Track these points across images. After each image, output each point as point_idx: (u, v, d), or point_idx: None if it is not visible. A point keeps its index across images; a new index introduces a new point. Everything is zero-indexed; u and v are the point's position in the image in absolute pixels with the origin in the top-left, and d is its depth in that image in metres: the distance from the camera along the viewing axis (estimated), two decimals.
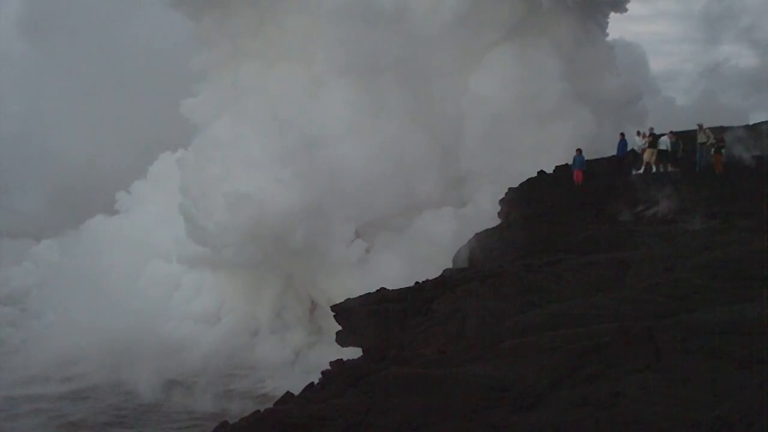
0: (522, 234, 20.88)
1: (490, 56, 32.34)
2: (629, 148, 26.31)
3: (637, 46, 45.88)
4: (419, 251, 28.07)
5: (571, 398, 8.82)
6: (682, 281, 12.77)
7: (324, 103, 31.98)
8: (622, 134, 26.66)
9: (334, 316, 19.93)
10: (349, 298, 19.75)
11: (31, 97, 57.07)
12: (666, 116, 36.80)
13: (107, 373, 26.43)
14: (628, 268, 14.43)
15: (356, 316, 18.65)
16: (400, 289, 18.31)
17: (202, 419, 22.43)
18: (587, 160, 25.77)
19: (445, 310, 15.22)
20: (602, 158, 27.59)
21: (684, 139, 25.89)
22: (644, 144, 25.35)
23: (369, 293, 19.17)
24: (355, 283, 25.69)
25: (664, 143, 25.11)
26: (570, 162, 25.93)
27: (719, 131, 24.95)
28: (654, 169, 24.83)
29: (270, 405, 12.81)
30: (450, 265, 23.16)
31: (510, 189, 25.81)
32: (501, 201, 25.78)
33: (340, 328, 19.99)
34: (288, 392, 13.53)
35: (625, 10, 35.95)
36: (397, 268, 27.22)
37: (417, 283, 18.29)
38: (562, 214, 22.16)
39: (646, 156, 25.07)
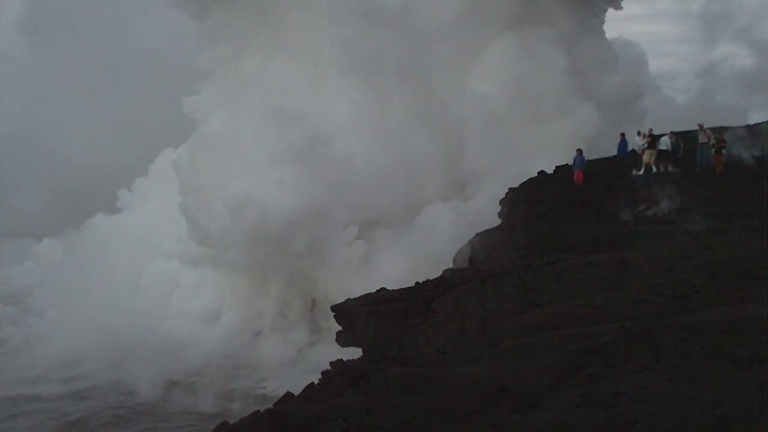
0: (522, 234, 20.89)
1: (491, 51, 32.20)
2: (629, 148, 26.32)
3: (636, 45, 45.79)
4: (420, 251, 28.04)
5: (571, 398, 8.81)
6: (683, 281, 12.76)
7: (327, 101, 31.97)
8: (623, 134, 26.68)
9: (334, 316, 19.93)
10: (349, 298, 19.76)
11: (32, 97, 57.15)
12: (665, 116, 36.82)
13: (108, 373, 26.45)
14: (628, 268, 14.42)
15: (356, 316, 18.65)
16: (400, 289, 18.31)
17: (202, 419, 22.43)
18: (587, 160, 25.78)
19: (445, 310, 15.21)
20: (602, 158, 27.61)
21: (684, 139, 25.91)
22: (644, 144, 25.35)
23: (369, 293, 19.18)
24: (356, 282, 25.71)
25: (665, 143, 25.12)
26: (570, 162, 25.96)
27: (719, 131, 24.96)
28: (654, 170, 24.84)
29: (270, 405, 12.80)
30: (450, 265, 23.15)
31: (510, 189, 25.83)
32: (501, 201, 25.79)
33: (340, 327, 19.99)
34: (288, 392, 13.52)
35: (620, 7, 35.98)
36: (397, 268, 27.23)
37: (417, 283, 18.29)
38: (562, 214, 22.16)
39: (645, 157, 25.08)
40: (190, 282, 32.58)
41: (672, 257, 14.59)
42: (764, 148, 24.90)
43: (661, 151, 25.13)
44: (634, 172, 25.20)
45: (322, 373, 13.93)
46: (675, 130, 26.54)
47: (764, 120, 30.33)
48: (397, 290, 18.33)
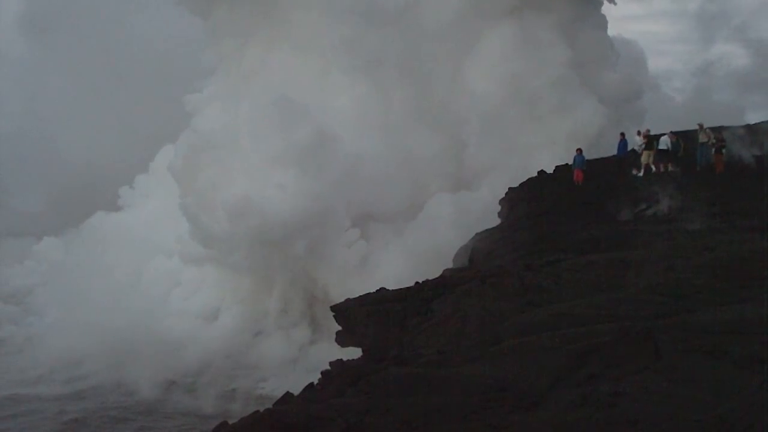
0: (522, 234, 20.89)
1: (490, 43, 31.99)
2: (629, 147, 26.33)
3: (636, 43, 45.65)
4: (423, 244, 27.96)
5: (571, 398, 8.81)
6: (683, 281, 12.77)
7: (330, 98, 31.87)
8: (623, 134, 26.68)
9: (333, 316, 19.92)
10: (349, 298, 19.75)
11: (33, 96, 57.07)
12: (663, 115, 36.77)
13: (108, 372, 26.44)
14: (628, 268, 14.42)
15: (356, 316, 18.64)
16: (400, 289, 18.30)
17: (202, 419, 22.43)
18: (587, 160, 25.80)
19: (445, 310, 15.22)
20: (602, 158, 27.62)
21: (683, 138, 25.91)
22: (642, 145, 25.40)
23: (369, 293, 19.17)
24: (357, 282, 25.68)
25: (665, 143, 25.12)
26: (570, 161, 25.97)
27: (719, 131, 24.96)
28: (654, 170, 24.86)
29: (270, 405, 12.80)
30: (450, 265, 23.15)
31: (510, 189, 25.82)
32: (501, 201, 25.78)
33: (340, 327, 19.99)
34: (288, 392, 13.53)
35: (614, 2, 35.81)
36: (398, 266, 27.21)
37: (417, 283, 18.28)
38: (562, 214, 22.16)
39: (643, 158, 25.11)
40: (190, 281, 32.49)
41: (672, 257, 14.59)
42: (764, 148, 24.90)
43: (661, 151, 25.13)
44: (634, 172, 25.21)
45: (322, 373, 13.95)
46: (673, 129, 26.54)
47: (763, 119, 30.35)
48: (396, 290, 18.33)
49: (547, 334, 10.89)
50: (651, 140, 25.26)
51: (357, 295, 19.66)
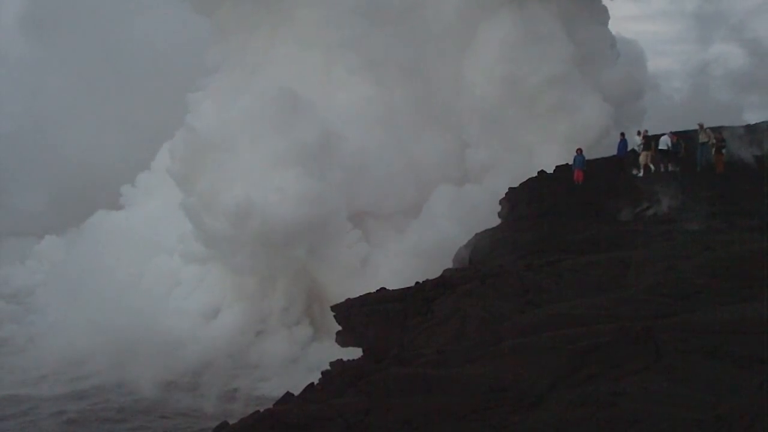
0: (522, 234, 20.90)
1: (490, 37, 31.70)
2: (629, 147, 26.34)
3: (635, 43, 45.47)
4: (422, 249, 27.92)
5: (571, 398, 8.81)
6: (683, 281, 12.77)
7: (333, 97, 31.75)
8: (623, 134, 26.70)
9: (334, 316, 19.93)
10: (349, 298, 19.75)
11: (34, 95, 57.08)
12: (662, 115, 36.70)
13: (109, 372, 26.39)
14: (628, 268, 14.42)
15: (356, 316, 18.65)
16: (400, 289, 18.31)
17: (202, 419, 22.41)
18: (587, 160, 25.82)
19: (445, 310, 15.22)
20: (602, 158, 27.63)
21: (683, 138, 25.93)
22: (640, 145, 25.46)
23: (369, 293, 19.18)
24: (357, 282, 25.65)
25: (665, 142, 25.14)
26: (570, 162, 25.99)
27: (719, 131, 24.98)
28: (653, 169, 24.89)
29: (270, 405, 12.80)
30: (450, 264, 23.16)
31: (510, 189, 25.83)
32: (501, 201, 25.80)
33: (340, 327, 19.99)
34: (288, 392, 13.52)
35: None
36: (398, 267, 27.17)
37: (417, 283, 18.29)
38: (562, 214, 22.17)
39: (641, 159, 25.16)
40: (191, 280, 32.36)
41: (672, 257, 14.60)
42: (764, 148, 24.92)
43: (661, 151, 25.15)
44: (634, 172, 25.23)
45: (322, 373, 13.94)
46: (671, 129, 26.56)
47: (761, 118, 30.36)
48: (396, 290, 18.34)
49: (547, 335, 10.89)
50: (649, 140, 25.29)
51: (359, 295, 19.67)
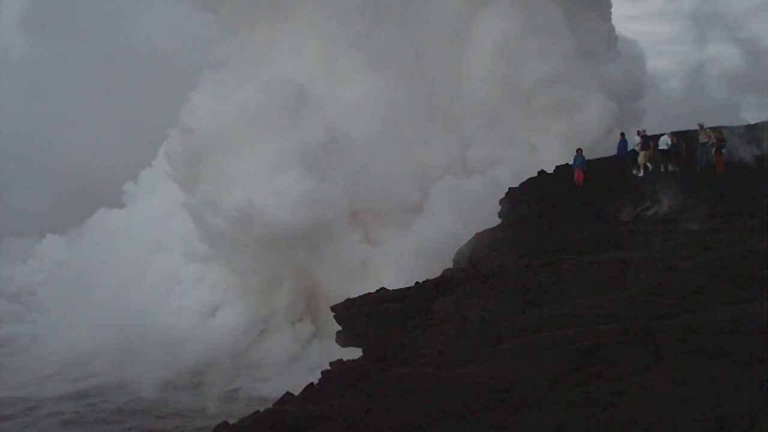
0: (522, 234, 20.89)
1: (492, 30, 31.49)
2: (629, 148, 26.35)
3: (635, 42, 45.27)
4: (424, 247, 27.86)
5: (571, 398, 8.82)
6: (683, 281, 12.77)
7: (336, 96, 31.63)
8: (623, 134, 26.71)
9: (334, 316, 19.91)
10: (349, 298, 19.73)
11: (35, 94, 57.01)
12: (660, 115, 36.69)
13: (110, 372, 26.40)
14: (628, 268, 14.42)
15: (356, 316, 18.63)
16: (400, 289, 18.30)
17: (203, 419, 22.41)
18: (588, 160, 25.83)
19: (445, 310, 15.22)
20: (603, 158, 27.65)
21: (683, 138, 25.93)
22: (638, 145, 25.49)
23: (369, 293, 19.17)
24: (359, 282, 25.62)
25: (665, 142, 25.16)
26: (571, 162, 26.00)
27: (719, 131, 24.98)
28: (650, 168, 24.93)
29: (270, 405, 12.81)
30: (450, 265, 23.16)
31: (510, 189, 25.83)
32: (501, 201, 25.80)
33: (340, 327, 19.97)
34: (288, 392, 13.53)
35: None
36: (400, 266, 27.12)
37: (417, 283, 18.29)
38: (562, 214, 22.18)
39: (640, 159, 25.18)
40: (193, 278, 32.23)
41: (672, 257, 14.60)
42: (764, 148, 24.93)
43: (662, 151, 25.17)
44: (635, 172, 25.25)
45: (322, 373, 13.94)
46: (669, 129, 26.58)
47: (759, 118, 30.38)
48: (396, 290, 18.33)
49: (547, 335, 10.89)
50: (647, 140, 25.31)
51: (360, 294, 19.65)
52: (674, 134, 25.75)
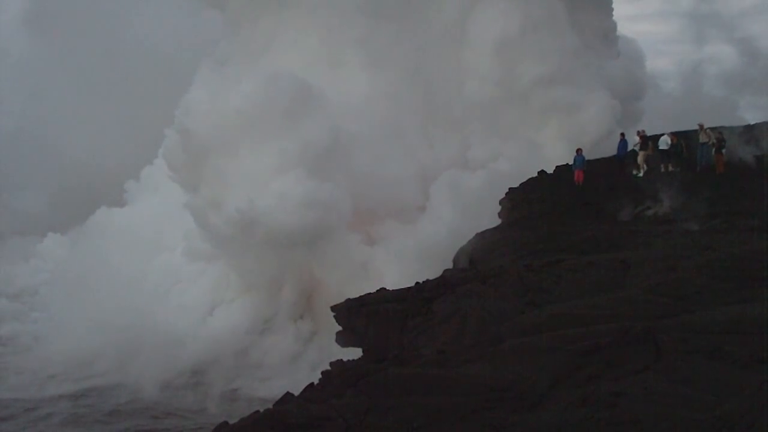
0: (522, 234, 20.89)
1: (492, 27, 31.36)
2: (629, 148, 26.36)
3: (635, 41, 45.18)
4: (426, 245, 27.83)
5: (572, 398, 8.82)
6: (683, 281, 12.77)
7: (337, 96, 31.57)
8: (623, 134, 26.72)
9: (334, 316, 19.92)
10: (349, 298, 19.73)
11: (35, 93, 56.99)
12: (658, 115, 36.66)
13: (112, 372, 26.41)
14: (628, 268, 14.43)
15: (356, 316, 18.63)
16: (400, 289, 18.30)
17: (202, 419, 22.41)
18: (588, 160, 25.85)
19: (445, 310, 15.22)
20: (603, 158, 27.66)
21: (682, 138, 25.94)
22: (637, 146, 25.51)
23: (369, 293, 19.17)
24: (360, 282, 25.60)
25: (665, 142, 25.17)
26: (570, 162, 26.02)
27: (719, 131, 24.99)
28: (645, 168, 24.98)
29: (270, 405, 12.80)
30: (450, 265, 23.16)
31: (510, 189, 25.84)
32: (501, 201, 25.81)
33: (340, 327, 19.98)
34: (288, 392, 13.52)
35: None
36: (399, 268, 27.11)
37: (417, 283, 18.29)
38: (562, 214, 22.19)
39: (639, 159, 25.20)
40: (194, 278, 32.15)
41: (672, 257, 14.60)
42: (764, 148, 24.94)
43: (662, 151, 25.17)
44: (635, 172, 25.27)
45: (322, 373, 13.93)
46: (667, 129, 26.59)
47: (757, 118, 30.40)
48: (396, 290, 18.33)
49: (547, 335, 10.90)
50: (645, 140, 25.32)
51: (360, 294, 19.64)
52: (674, 134, 25.76)
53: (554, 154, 28.24)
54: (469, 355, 11.24)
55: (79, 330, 27.99)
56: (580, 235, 19.02)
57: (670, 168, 24.87)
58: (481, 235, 23.03)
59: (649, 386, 8.64)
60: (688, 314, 10.88)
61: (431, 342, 14.00)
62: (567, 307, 12.42)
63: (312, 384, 13.36)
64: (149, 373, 25.34)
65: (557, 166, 26.61)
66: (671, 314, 11.03)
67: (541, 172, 26.14)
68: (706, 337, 9.71)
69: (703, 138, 24.62)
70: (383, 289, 19.11)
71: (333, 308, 20.11)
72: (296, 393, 13.16)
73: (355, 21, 32.10)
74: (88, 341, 27.45)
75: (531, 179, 25.79)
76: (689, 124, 26.05)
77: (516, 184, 25.61)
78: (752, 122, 29.45)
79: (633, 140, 26.36)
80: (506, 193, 25.91)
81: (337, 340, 20.04)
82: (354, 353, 18.48)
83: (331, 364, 14.84)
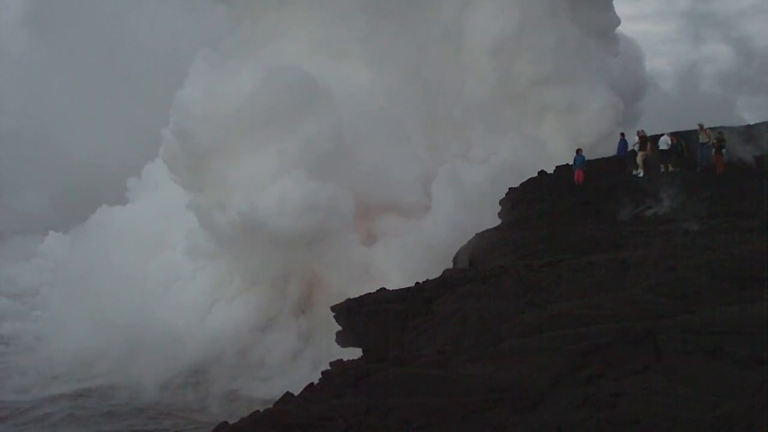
0: (522, 234, 20.89)
1: (492, 24, 31.27)
2: (629, 148, 26.38)
3: (634, 41, 45.16)
4: (427, 244, 27.81)
5: (572, 399, 8.82)
6: (683, 281, 12.77)
7: (339, 98, 31.51)
8: (622, 134, 26.75)
9: (333, 316, 19.91)
10: (349, 298, 19.73)
11: (36, 93, 57.09)
12: (656, 115, 36.69)
13: (113, 371, 26.42)
14: (628, 268, 14.42)
15: (356, 316, 18.63)
16: (400, 289, 18.30)
17: (202, 419, 22.42)
18: (588, 160, 25.86)
19: (445, 310, 15.21)
20: (602, 158, 27.68)
21: (682, 138, 25.97)
22: (636, 146, 25.54)
23: (369, 293, 19.17)
24: (360, 282, 25.59)
25: (665, 142, 25.18)
26: (570, 162, 26.03)
27: (719, 131, 25.01)
28: (642, 169, 25.02)
29: (270, 405, 12.81)
30: (450, 265, 23.16)
31: (510, 189, 25.85)
32: (501, 201, 25.82)
33: (340, 327, 19.98)
34: (288, 392, 13.52)
35: None
36: (401, 268, 27.10)
37: (417, 283, 18.28)
38: (562, 214, 22.19)
39: (638, 159, 25.23)
40: (195, 277, 32.08)
41: (672, 257, 14.60)
42: (764, 148, 24.96)
43: (663, 151, 25.18)
44: (635, 172, 25.28)
45: (322, 373, 13.92)
46: (666, 129, 26.62)
47: (756, 118, 30.47)
48: (396, 290, 18.33)
49: (547, 335, 10.90)
50: (644, 141, 25.33)
51: (360, 294, 19.64)
52: (674, 134, 25.77)
53: (555, 150, 28.26)
54: (469, 355, 11.24)
55: (81, 329, 27.98)
56: (580, 235, 19.02)
57: (670, 168, 24.88)
58: (481, 235, 23.04)
59: (649, 386, 8.63)
60: (688, 314, 10.88)
61: (431, 342, 13.99)
62: (567, 307, 12.42)
63: (312, 384, 13.35)
64: (149, 373, 25.33)
65: (557, 166, 26.64)
66: (671, 314, 11.03)
67: (541, 172, 26.16)
68: (706, 337, 9.71)
69: (703, 138, 24.64)
70: (383, 289, 19.11)
71: (333, 308, 20.11)
72: (296, 393, 13.16)
73: (356, 19, 32.12)
74: (89, 340, 27.44)
75: (531, 179, 25.81)
76: (686, 124, 26.10)
77: (517, 177, 25.60)
78: (750, 122, 29.54)
79: (633, 140, 26.38)
80: (506, 193, 25.92)
81: (337, 340, 20.05)
82: (354, 353, 18.49)
83: (331, 364, 14.84)
